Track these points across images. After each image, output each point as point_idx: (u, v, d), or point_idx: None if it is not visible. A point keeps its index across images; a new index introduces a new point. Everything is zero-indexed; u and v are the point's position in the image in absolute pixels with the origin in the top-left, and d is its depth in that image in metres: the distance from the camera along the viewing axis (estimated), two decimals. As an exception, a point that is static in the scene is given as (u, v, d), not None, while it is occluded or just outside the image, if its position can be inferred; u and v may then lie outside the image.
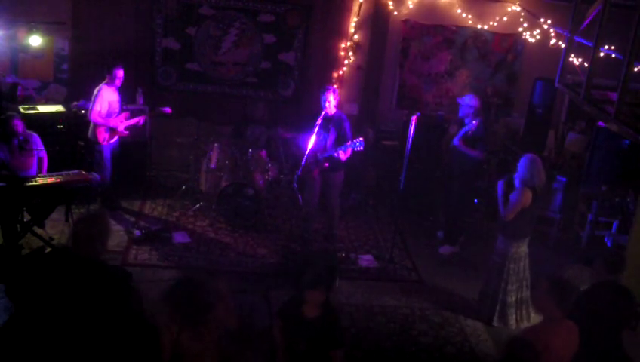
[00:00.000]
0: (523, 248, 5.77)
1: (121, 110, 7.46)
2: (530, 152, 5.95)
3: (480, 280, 6.43)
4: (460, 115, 7.14)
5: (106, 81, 7.21)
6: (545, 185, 5.72)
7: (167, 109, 7.87)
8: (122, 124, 7.33)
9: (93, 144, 7.31)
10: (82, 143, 7.64)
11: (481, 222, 8.04)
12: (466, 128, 7.00)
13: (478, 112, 7.05)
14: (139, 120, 7.55)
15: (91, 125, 7.22)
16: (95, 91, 7.17)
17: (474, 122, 6.95)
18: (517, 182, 5.62)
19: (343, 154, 6.55)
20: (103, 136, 7.21)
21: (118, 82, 7.21)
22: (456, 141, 7.04)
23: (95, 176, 6.97)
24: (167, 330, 3.40)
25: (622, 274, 4.83)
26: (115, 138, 7.39)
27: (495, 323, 5.89)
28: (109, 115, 7.22)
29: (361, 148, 6.49)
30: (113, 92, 7.26)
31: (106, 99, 7.16)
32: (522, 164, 5.59)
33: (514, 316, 5.88)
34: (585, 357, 4.23)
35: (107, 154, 7.30)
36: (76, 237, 3.67)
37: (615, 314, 4.49)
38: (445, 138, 7.76)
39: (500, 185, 5.74)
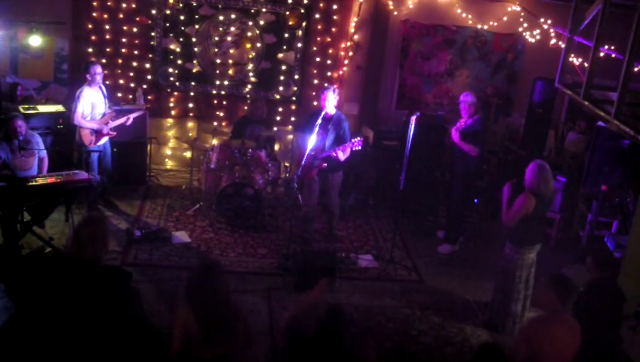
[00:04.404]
0: (531, 255, 5.62)
1: (116, 110, 7.44)
2: (536, 157, 5.92)
3: (480, 279, 6.44)
4: (461, 113, 7.14)
5: (87, 83, 7.11)
6: (553, 192, 5.63)
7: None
8: (107, 126, 7.20)
9: (80, 146, 7.22)
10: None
11: (480, 222, 8.04)
12: (462, 124, 7.01)
13: (476, 109, 7.06)
14: (125, 120, 7.42)
15: (78, 128, 7.10)
16: (77, 93, 7.08)
17: (469, 119, 6.97)
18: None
19: (341, 154, 6.55)
20: (89, 138, 7.11)
21: (98, 79, 7.10)
22: (454, 135, 7.05)
23: (95, 176, 6.97)
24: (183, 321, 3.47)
25: (612, 272, 4.83)
26: (103, 139, 7.29)
27: (506, 333, 5.76)
28: (94, 116, 7.15)
29: (359, 147, 6.49)
30: (96, 92, 7.17)
31: (88, 100, 7.07)
32: (530, 170, 5.48)
33: (513, 326, 5.74)
34: (584, 355, 4.26)
35: (94, 156, 7.20)
36: (78, 241, 3.65)
37: (609, 314, 4.51)
38: (448, 137, 7.78)
39: (506, 189, 5.64)
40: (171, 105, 8.83)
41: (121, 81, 8.56)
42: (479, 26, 8.88)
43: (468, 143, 6.95)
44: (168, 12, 8.44)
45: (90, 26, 8.34)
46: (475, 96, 7.10)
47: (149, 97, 8.63)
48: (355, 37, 8.78)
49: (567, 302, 4.03)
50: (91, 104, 7.11)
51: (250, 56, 8.73)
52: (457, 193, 7.32)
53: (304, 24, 8.60)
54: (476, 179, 7.58)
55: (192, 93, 8.81)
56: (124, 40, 8.46)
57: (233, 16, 8.56)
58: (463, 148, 6.98)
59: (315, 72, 8.82)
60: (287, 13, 8.52)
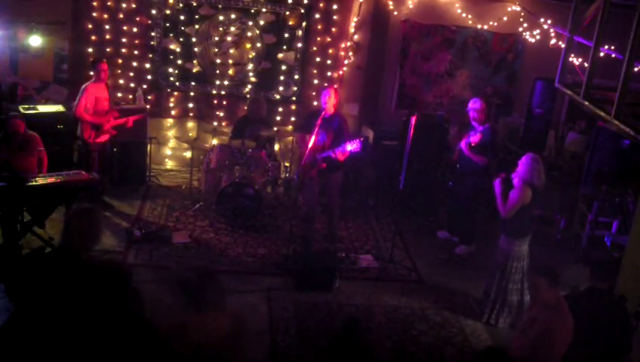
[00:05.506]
0: (524, 247, 5.78)
1: (116, 109, 7.44)
2: (531, 152, 5.94)
3: (480, 280, 6.43)
4: (471, 120, 7.09)
5: (93, 79, 7.17)
6: (544, 184, 5.72)
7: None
8: (109, 123, 7.24)
9: (80, 143, 7.29)
10: (80, 143, 7.62)
11: (480, 223, 8.03)
12: (473, 133, 6.96)
13: (487, 116, 7.04)
14: (126, 120, 7.45)
15: (79, 122, 7.19)
16: (82, 87, 7.15)
17: (481, 127, 6.92)
18: (515, 181, 5.62)
19: (340, 155, 6.55)
20: (88, 133, 7.16)
21: (103, 75, 7.14)
22: (463, 147, 7.03)
23: (95, 176, 6.96)
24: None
25: (610, 283, 4.89)
26: (104, 137, 7.32)
27: (484, 319, 5.90)
28: (96, 111, 7.19)
29: (358, 148, 6.48)
30: (101, 89, 7.21)
31: (92, 95, 7.12)
32: (523, 162, 5.60)
33: (510, 316, 5.84)
34: (584, 356, 4.27)
35: (94, 155, 7.23)
36: (69, 232, 3.66)
37: (610, 315, 4.53)
38: (450, 138, 7.74)
39: (497, 183, 5.74)
40: (171, 105, 8.84)
41: (121, 81, 8.56)
42: (479, 26, 8.89)
43: (477, 153, 6.94)
44: (168, 12, 8.44)
45: (90, 26, 8.35)
46: (484, 102, 7.05)
47: (149, 97, 8.63)
48: (355, 37, 8.78)
49: (557, 286, 4.23)
50: (95, 99, 7.15)
51: (250, 56, 8.73)
52: (462, 194, 7.31)
53: (304, 24, 8.60)
54: (481, 181, 7.56)
55: (192, 93, 8.81)
56: (124, 40, 8.46)
57: (233, 16, 8.56)
58: (472, 158, 6.97)
59: (315, 72, 8.82)
60: (287, 13, 8.52)
